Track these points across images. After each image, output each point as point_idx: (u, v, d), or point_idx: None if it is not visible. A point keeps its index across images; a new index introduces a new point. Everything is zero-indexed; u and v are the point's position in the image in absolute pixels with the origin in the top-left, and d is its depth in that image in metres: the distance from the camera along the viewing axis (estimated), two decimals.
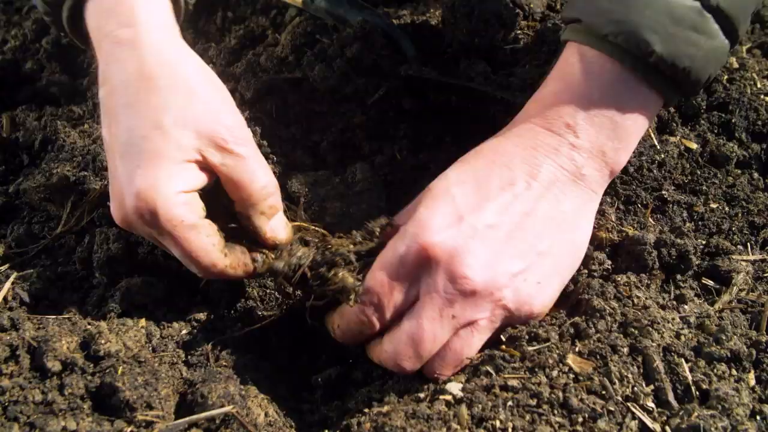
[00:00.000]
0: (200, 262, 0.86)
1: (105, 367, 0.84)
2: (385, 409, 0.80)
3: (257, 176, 0.90)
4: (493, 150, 0.91)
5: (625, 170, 1.03)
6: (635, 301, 0.89)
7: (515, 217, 0.86)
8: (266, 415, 0.84)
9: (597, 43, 0.88)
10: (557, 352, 0.83)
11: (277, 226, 0.93)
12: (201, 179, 0.88)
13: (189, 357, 0.91)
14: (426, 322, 0.84)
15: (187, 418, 0.81)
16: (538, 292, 0.86)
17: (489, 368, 0.83)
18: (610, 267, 0.95)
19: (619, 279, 0.92)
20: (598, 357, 0.82)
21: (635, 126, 0.89)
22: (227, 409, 0.82)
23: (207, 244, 0.86)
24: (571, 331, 0.86)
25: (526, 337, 0.85)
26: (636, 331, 0.84)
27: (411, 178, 1.12)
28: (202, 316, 0.96)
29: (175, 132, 0.85)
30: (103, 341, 0.85)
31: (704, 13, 0.85)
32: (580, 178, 0.89)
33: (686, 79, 0.87)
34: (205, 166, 0.88)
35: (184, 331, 0.94)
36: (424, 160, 1.14)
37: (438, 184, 0.90)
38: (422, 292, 0.84)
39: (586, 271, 0.93)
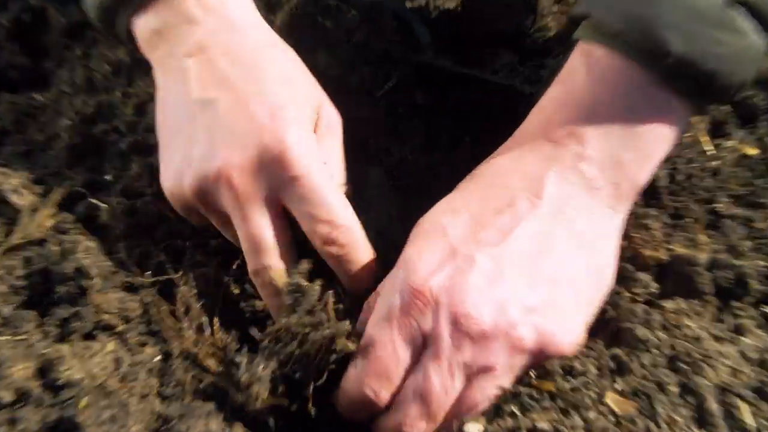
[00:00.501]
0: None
1: (65, 398, 0.81)
2: None
3: (340, 164, 0.96)
4: (489, 171, 0.89)
5: (672, 179, 1.00)
6: (686, 331, 0.86)
7: (520, 241, 0.82)
8: None
9: (607, 41, 0.84)
10: (595, 389, 0.80)
11: None
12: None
13: (163, 387, 0.89)
14: (434, 376, 0.79)
15: None
16: (563, 326, 0.81)
17: (514, 408, 0.80)
18: (656, 291, 0.91)
19: (666, 305, 0.89)
20: (642, 396, 0.79)
21: (655, 135, 0.85)
22: None
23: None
24: (611, 365, 0.83)
25: (559, 371, 0.82)
26: (687, 367, 0.82)
27: (423, 182, 1.09)
28: (180, 338, 0.93)
29: (294, 100, 0.91)
30: (63, 367, 0.83)
31: (731, 7, 0.80)
32: (593, 193, 0.85)
33: (711, 84, 0.82)
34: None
35: (158, 357, 0.91)
36: (438, 162, 1.12)
37: (426, 219, 0.88)
38: (427, 343, 0.80)
39: (628, 294, 0.90)
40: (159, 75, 0.97)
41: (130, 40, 0.99)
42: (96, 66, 1.20)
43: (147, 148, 1.07)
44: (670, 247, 0.95)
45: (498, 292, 0.80)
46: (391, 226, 0.99)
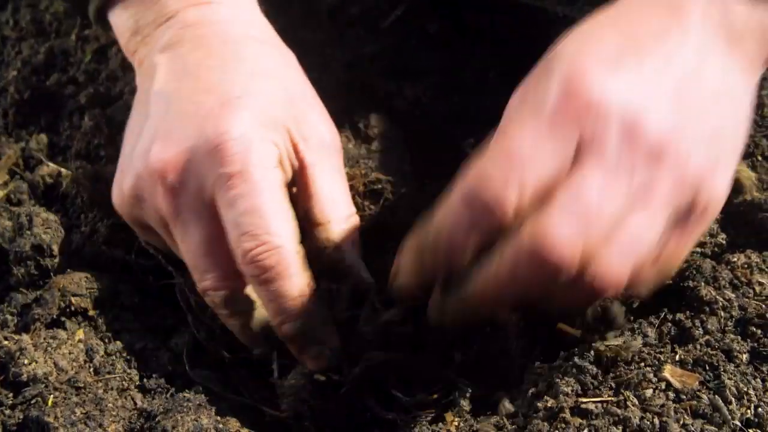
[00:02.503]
0: (273, 228, 0.84)
1: (30, 396, 0.82)
2: None
3: (345, 199, 0.93)
4: (615, 15, 0.87)
5: None
6: (757, 289, 0.87)
7: (682, 72, 0.82)
8: None
9: None
10: (652, 361, 0.81)
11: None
12: (288, 164, 0.90)
13: (145, 380, 0.90)
14: (594, 188, 0.76)
15: None
16: (720, 173, 0.82)
17: (563, 384, 0.80)
18: (723, 241, 0.92)
19: (735, 259, 0.89)
20: (706, 367, 0.80)
21: None
22: None
23: (290, 214, 0.87)
24: (671, 331, 0.83)
25: (614, 342, 0.83)
26: (759, 332, 0.82)
27: (441, 130, 1.10)
28: (161, 323, 0.95)
29: (275, 95, 0.91)
30: (25, 361, 0.84)
31: None
32: (736, 42, 0.86)
33: None
34: (287, 159, 0.90)
35: (138, 345, 0.92)
36: (460, 106, 1.12)
37: (574, 35, 0.85)
38: (583, 151, 0.77)
39: None
40: (137, 75, 1.00)
41: (105, 28, 1.02)
42: (45, 5, 1.20)
43: (110, 101, 1.08)
44: None
45: (673, 116, 0.80)
46: (404, 187, 0.99)
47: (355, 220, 0.93)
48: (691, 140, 0.79)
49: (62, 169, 1.04)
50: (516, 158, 0.77)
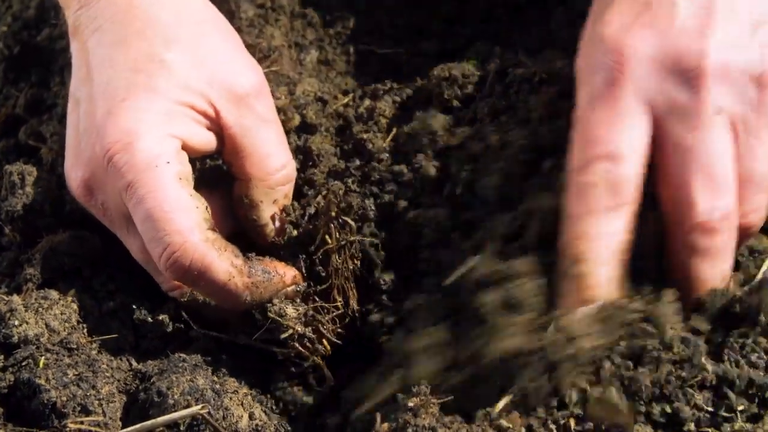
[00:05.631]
0: (173, 226, 0.82)
1: (21, 358, 0.82)
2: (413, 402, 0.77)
3: (280, 151, 0.92)
4: None
5: None
6: None
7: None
8: (251, 417, 0.82)
9: None
10: None
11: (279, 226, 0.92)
12: (202, 139, 0.88)
13: (140, 341, 0.90)
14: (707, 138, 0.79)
15: (138, 425, 0.79)
16: None
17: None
18: None
19: None
20: None
21: None
22: (195, 409, 0.79)
23: (190, 204, 0.84)
24: None
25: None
26: None
27: None
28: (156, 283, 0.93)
29: (180, 68, 0.88)
30: (16, 322, 0.84)
31: None
32: None
33: None
34: (212, 124, 0.89)
35: (132, 305, 0.92)
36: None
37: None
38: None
39: None
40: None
41: None
42: None
43: None
44: None
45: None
46: None
47: (287, 171, 0.92)
48: None
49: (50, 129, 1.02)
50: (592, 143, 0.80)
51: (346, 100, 1.07)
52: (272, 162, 0.91)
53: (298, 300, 0.88)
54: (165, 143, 0.85)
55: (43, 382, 0.79)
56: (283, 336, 0.86)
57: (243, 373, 0.89)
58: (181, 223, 0.82)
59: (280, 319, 0.86)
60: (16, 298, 0.87)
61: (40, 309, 0.87)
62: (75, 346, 0.84)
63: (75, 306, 0.89)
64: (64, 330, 0.86)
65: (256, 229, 0.92)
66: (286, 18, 1.20)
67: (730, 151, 0.79)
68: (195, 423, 0.79)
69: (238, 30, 1.14)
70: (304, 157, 0.98)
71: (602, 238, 0.78)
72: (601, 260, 0.77)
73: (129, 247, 0.89)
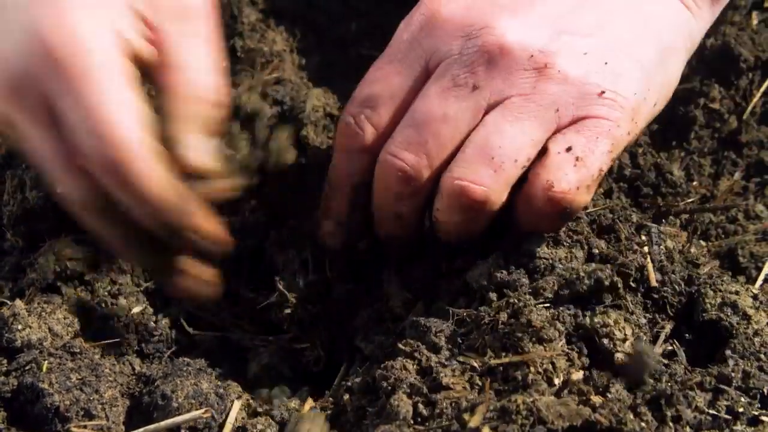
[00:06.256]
0: (117, 122, 0.76)
1: (24, 362, 0.81)
2: None
3: (205, 67, 0.84)
4: None
5: None
6: None
7: None
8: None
9: None
10: None
11: (204, 149, 0.83)
12: (143, 46, 0.81)
13: (143, 344, 0.90)
14: (434, 98, 0.81)
15: (142, 429, 0.78)
16: (610, 73, 0.81)
17: None
18: None
19: None
20: None
21: None
22: (199, 413, 0.79)
23: (137, 107, 0.78)
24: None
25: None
26: None
27: None
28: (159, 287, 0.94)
29: None
30: (19, 327, 0.83)
31: None
32: None
33: None
34: (151, 33, 0.82)
35: (136, 309, 0.92)
36: None
37: None
38: (433, 66, 0.83)
39: None
40: None
41: None
42: None
43: None
44: None
45: (534, 17, 0.82)
46: None
47: (215, 93, 0.85)
48: (553, 39, 0.81)
49: None
50: (365, 82, 0.85)
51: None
52: (198, 76, 0.83)
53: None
54: (115, 42, 0.79)
55: (46, 386, 0.78)
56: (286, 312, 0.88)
57: (246, 377, 0.89)
58: (126, 121, 0.77)
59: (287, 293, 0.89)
60: (18, 303, 0.87)
61: (43, 313, 0.86)
62: (78, 350, 0.83)
63: (77, 310, 0.89)
64: (67, 334, 0.86)
65: (173, 150, 0.82)
66: (287, 23, 1.21)
67: (458, 119, 0.80)
68: (199, 426, 0.78)
69: (240, 35, 1.14)
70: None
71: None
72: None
73: (37, 150, 0.80)
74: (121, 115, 0.76)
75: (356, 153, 0.85)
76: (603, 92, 0.79)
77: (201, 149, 0.82)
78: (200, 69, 0.83)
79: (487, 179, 0.78)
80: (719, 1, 0.90)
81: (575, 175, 0.78)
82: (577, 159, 0.78)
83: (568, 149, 0.78)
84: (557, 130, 0.80)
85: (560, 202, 0.78)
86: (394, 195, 0.83)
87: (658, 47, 0.85)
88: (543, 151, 0.79)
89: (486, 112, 0.80)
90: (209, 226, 0.81)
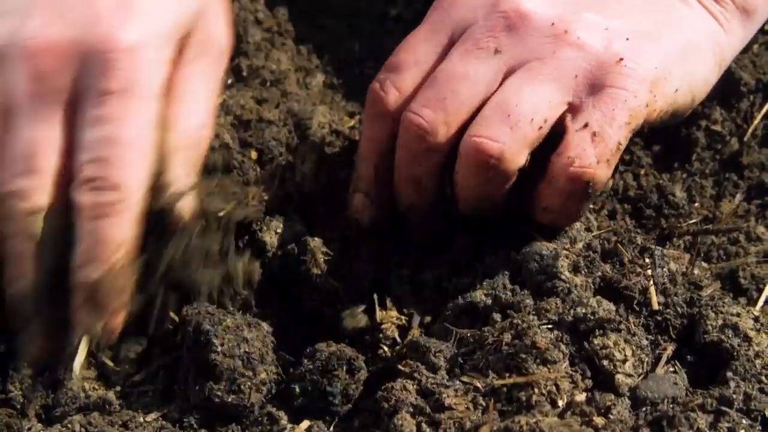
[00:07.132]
0: (124, 168, 0.76)
1: None
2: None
3: (201, 108, 0.86)
4: None
5: None
6: None
7: None
8: None
9: None
10: None
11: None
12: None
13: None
14: (456, 59, 0.83)
15: None
16: (631, 46, 0.82)
17: None
18: None
19: None
20: None
21: None
22: None
23: (148, 154, 0.79)
24: None
25: None
26: None
27: None
28: None
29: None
30: None
31: None
32: None
33: None
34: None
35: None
36: None
37: None
38: (458, 34, 0.85)
39: None
40: None
41: None
42: None
43: None
44: None
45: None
46: None
47: (205, 132, 0.86)
48: (577, 16, 0.83)
49: None
50: (394, 52, 0.87)
51: (352, 122, 1.08)
52: (195, 119, 0.85)
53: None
54: (163, 68, 0.81)
55: None
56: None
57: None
58: (136, 174, 0.78)
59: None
60: None
61: None
62: None
63: None
64: None
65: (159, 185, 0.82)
66: (292, 42, 1.21)
67: (477, 79, 0.82)
68: None
69: (245, 54, 1.15)
70: None
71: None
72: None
73: (23, 128, 0.77)
74: (136, 170, 0.77)
75: (381, 117, 0.86)
76: (621, 59, 0.81)
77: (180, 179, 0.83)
78: (196, 112, 0.85)
79: (503, 135, 0.79)
80: (751, 17, 0.91)
81: (594, 149, 0.79)
82: (594, 134, 0.79)
83: (585, 125, 0.79)
84: (575, 96, 0.81)
85: (581, 176, 0.78)
86: (413, 154, 0.84)
87: (681, 41, 0.86)
88: (562, 132, 0.81)
89: (505, 77, 0.82)
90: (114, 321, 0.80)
